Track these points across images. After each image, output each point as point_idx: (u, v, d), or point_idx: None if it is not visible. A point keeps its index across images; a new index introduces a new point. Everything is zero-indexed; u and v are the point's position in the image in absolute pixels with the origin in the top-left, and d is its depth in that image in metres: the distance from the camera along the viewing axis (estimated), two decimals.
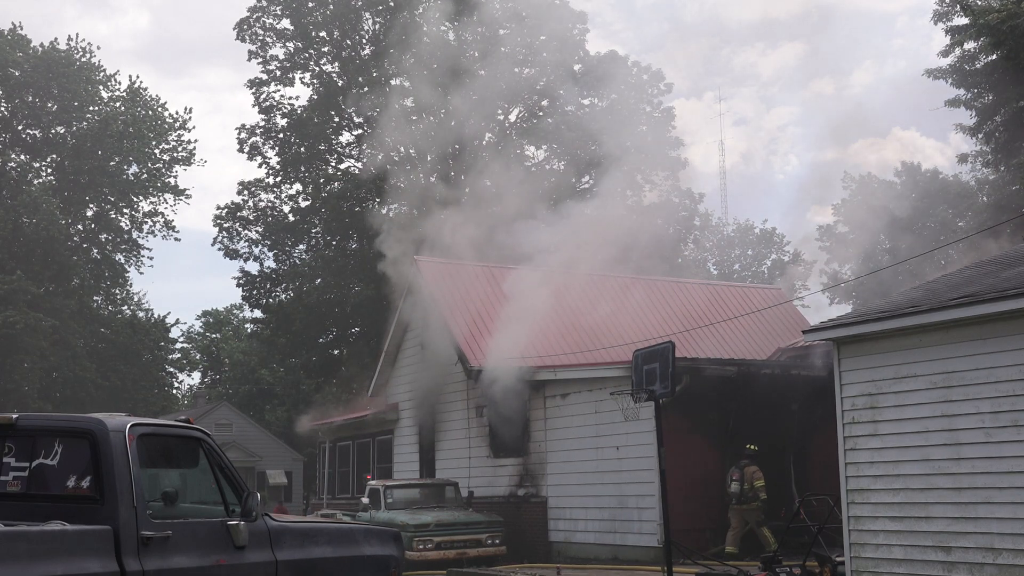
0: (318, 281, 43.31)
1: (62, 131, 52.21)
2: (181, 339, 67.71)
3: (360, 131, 44.06)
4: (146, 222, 54.63)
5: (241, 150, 44.75)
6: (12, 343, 45.01)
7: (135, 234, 54.66)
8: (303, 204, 44.39)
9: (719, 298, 29.47)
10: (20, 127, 51.89)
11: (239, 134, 44.55)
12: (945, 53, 34.35)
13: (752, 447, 18.75)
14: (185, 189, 55.24)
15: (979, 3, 30.41)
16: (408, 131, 34.52)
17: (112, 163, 52.07)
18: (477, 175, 32.37)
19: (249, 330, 54.66)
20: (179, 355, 61.94)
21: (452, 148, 34.99)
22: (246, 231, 44.65)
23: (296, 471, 53.83)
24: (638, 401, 15.89)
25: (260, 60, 44.29)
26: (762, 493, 18.38)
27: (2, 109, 51.39)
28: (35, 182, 50.70)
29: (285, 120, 44.31)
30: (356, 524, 12.48)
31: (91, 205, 53.47)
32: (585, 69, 41.50)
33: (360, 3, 43.39)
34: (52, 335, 46.87)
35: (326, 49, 44.31)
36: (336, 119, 44.19)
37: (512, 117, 41.08)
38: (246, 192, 44.68)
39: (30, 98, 50.98)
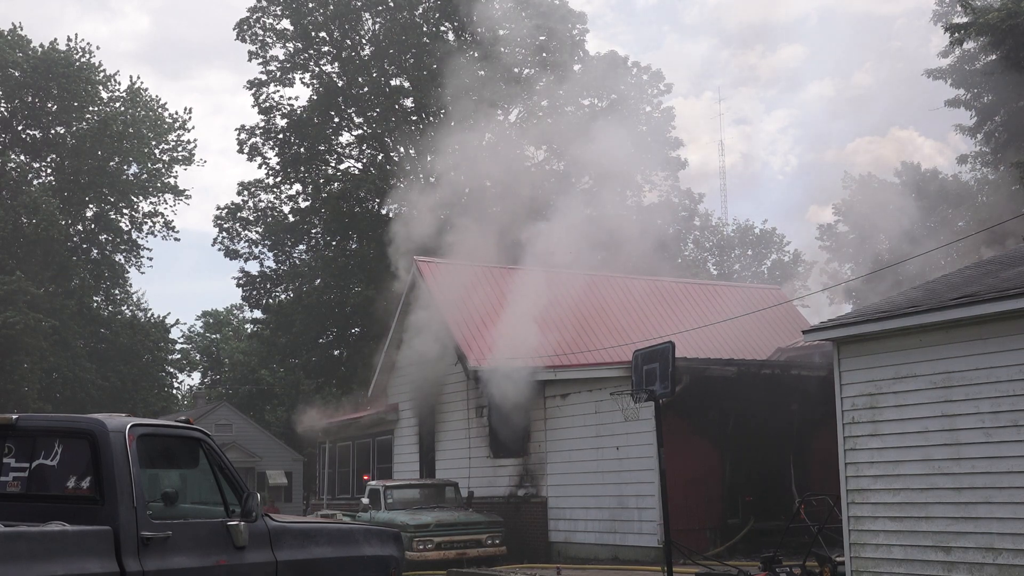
0: (318, 281, 43.32)
1: (62, 131, 52.20)
2: (181, 339, 67.80)
3: (360, 131, 44.08)
4: (146, 222, 54.74)
5: (241, 151, 44.82)
6: (12, 343, 44.97)
7: (135, 234, 54.80)
8: (303, 204, 44.43)
9: (719, 298, 29.45)
10: (20, 127, 51.89)
11: (239, 135, 44.63)
12: (945, 53, 34.41)
13: None
14: (185, 189, 55.32)
15: (979, 2, 30.41)
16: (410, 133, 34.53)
17: (112, 163, 52.08)
18: (477, 175, 32.34)
19: (249, 330, 54.66)
20: (179, 355, 61.94)
21: (453, 148, 34.96)
22: (246, 231, 44.72)
23: (296, 471, 53.80)
24: (638, 401, 15.87)
25: (260, 60, 44.33)
26: None
27: (2, 109, 51.39)
28: (35, 182, 50.74)
29: (285, 121, 44.32)
30: (356, 524, 12.46)
31: (91, 205, 53.47)
32: (585, 69, 41.50)
33: (360, 3, 43.38)
34: (52, 335, 46.85)
35: (326, 49, 44.31)
36: (336, 119, 44.19)
37: (512, 117, 41.08)
38: (246, 192, 44.72)
39: (30, 98, 50.97)
